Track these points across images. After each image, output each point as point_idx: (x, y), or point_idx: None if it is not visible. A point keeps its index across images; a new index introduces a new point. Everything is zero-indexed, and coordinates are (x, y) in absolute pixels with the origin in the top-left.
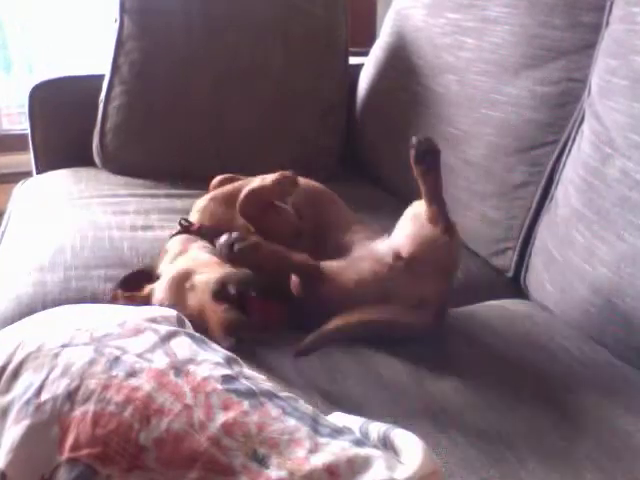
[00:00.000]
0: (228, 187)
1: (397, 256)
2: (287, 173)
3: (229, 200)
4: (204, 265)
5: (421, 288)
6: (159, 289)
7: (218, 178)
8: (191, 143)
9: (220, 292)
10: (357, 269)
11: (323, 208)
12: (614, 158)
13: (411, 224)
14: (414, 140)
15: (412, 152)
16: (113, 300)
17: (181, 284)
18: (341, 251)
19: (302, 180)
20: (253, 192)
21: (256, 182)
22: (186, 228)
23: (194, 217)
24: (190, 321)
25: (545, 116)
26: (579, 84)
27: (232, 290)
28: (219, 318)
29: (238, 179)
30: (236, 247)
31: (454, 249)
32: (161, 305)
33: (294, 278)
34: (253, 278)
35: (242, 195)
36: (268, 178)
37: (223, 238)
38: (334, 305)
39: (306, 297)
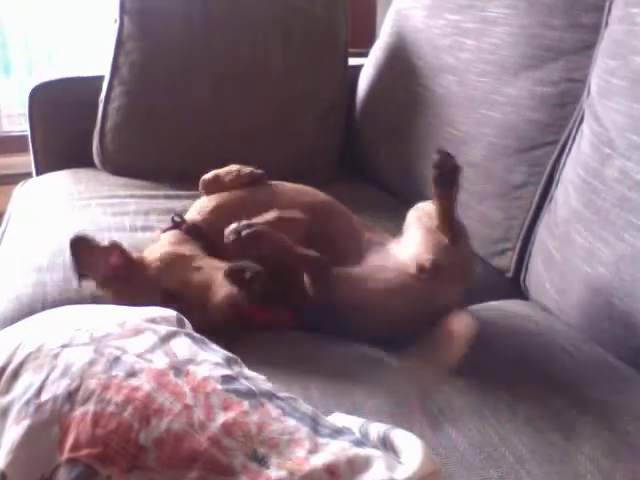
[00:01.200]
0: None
1: (421, 268)
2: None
3: (231, 204)
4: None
5: (445, 297)
6: (153, 256)
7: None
8: (191, 144)
9: (235, 273)
10: (381, 278)
11: (329, 222)
12: (613, 158)
13: (424, 233)
14: (435, 159)
15: (433, 172)
16: (110, 249)
17: (186, 262)
18: (352, 261)
19: (307, 196)
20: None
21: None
22: (177, 224)
23: (191, 215)
24: (182, 293)
25: (545, 116)
26: (579, 84)
27: (248, 275)
28: (226, 290)
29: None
30: (244, 233)
31: (467, 253)
32: (151, 266)
33: (306, 278)
34: (267, 276)
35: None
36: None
37: (232, 225)
38: (353, 311)
39: (318, 298)
